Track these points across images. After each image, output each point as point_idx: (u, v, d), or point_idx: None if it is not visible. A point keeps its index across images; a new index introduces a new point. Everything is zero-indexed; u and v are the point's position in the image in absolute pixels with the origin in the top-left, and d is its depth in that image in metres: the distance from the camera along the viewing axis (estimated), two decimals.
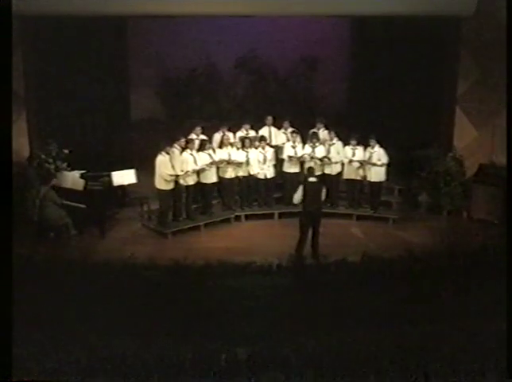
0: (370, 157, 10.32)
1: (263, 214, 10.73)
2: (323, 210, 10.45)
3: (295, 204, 9.17)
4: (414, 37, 11.11)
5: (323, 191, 9.04)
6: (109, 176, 10.31)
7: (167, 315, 6.75)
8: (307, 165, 10.31)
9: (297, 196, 8.87)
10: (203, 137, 10.53)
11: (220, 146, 10.51)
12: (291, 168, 10.67)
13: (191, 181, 10.01)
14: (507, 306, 5.78)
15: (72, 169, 10.32)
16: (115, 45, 12.49)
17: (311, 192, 8.77)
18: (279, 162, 10.92)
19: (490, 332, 6.06)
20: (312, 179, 8.96)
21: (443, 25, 10.75)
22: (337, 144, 10.58)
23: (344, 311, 6.93)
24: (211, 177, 10.23)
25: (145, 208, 10.34)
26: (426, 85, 11.44)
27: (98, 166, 10.51)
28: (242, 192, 10.81)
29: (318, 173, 10.47)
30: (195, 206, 10.41)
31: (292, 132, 10.84)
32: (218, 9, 10.02)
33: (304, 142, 10.69)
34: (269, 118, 11.07)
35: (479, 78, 10.73)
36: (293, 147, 10.59)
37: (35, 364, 5.24)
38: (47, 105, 11.14)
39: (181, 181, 9.84)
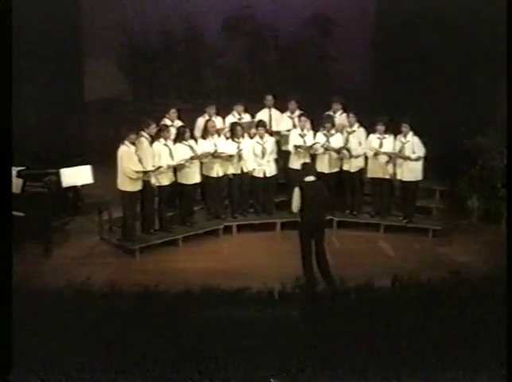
0: (401, 149, 10.43)
1: (261, 224, 10.85)
2: (343, 219, 10.61)
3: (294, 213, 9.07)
4: None
5: (326, 193, 8.96)
6: (56, 174, 10.35)
7: (134, 355, 6.80)
8: (319, 159, 10.41)
9: (295, 203, 8.79)
10: (180, 123, 10.62)
11: (204, 135, 10.59)
12: (299, 163, 10.69)
13: (165, 180, 10.10)
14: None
15: None
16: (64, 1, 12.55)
17: (309, 195, 8.74)
18: (283, 156, 11.02)
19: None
20: (309, 178, 8.93)
21: None
22: (358, 131, 10.71)
23: (368, 351, 6.98)
24: (192, 176, 10.34)
25: (105, 216, 10.42)
26: (477, 56, 11.52)
27: (42, 162, 10.59)
28: (234, 196, 10.92)
29: (335, 169, 10.58)
30: (171, 214, 10.51)
31: (300, 115, 10.93)
32: None
33: (315, 129, 10.78)
34: (270, 98, 11.21)
35: None
36: (302, 136, 10.69)
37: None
38: None
39: (152, 181, 9.91)
